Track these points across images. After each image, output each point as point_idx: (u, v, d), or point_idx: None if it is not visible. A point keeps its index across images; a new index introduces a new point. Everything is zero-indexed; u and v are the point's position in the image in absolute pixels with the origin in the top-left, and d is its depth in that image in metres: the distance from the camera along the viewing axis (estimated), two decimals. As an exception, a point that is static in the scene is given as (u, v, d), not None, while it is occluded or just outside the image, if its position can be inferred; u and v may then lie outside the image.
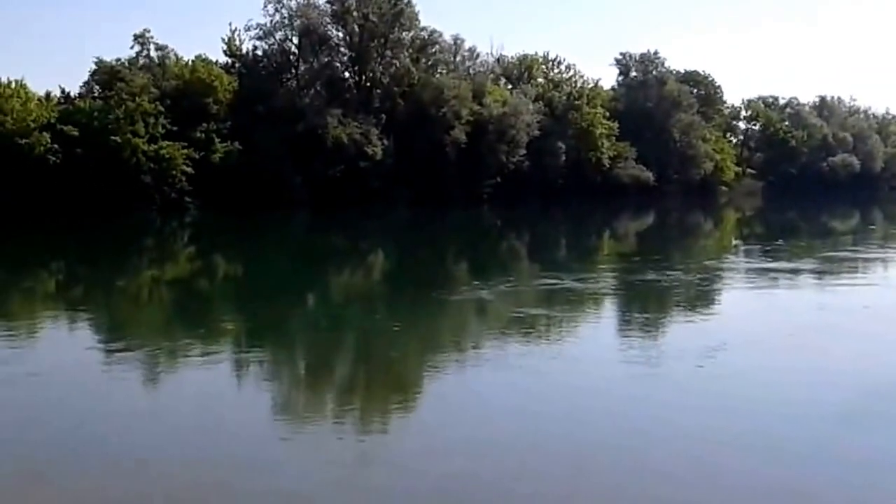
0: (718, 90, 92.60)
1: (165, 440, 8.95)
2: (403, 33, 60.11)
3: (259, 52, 58.38)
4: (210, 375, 11.85)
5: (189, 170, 47.95)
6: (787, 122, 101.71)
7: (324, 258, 30.38)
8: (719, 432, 8.96)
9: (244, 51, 58.46)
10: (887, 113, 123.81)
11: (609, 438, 8.97)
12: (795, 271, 24.18)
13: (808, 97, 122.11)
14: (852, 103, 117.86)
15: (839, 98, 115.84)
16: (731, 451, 8.43)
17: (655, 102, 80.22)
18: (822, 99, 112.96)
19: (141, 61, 54.00)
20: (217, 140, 50.31)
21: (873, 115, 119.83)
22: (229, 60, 58.15)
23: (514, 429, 9.30)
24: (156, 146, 47.05)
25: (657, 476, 7.82)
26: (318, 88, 57.29)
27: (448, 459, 8.32)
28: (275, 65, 58.13)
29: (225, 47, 58.12)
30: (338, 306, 19.59)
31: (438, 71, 63.05)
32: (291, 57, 58.71)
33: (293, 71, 58.66)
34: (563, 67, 75.21)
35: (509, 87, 70.12)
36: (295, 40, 58.28)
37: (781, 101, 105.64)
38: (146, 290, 22.17)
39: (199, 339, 14.34)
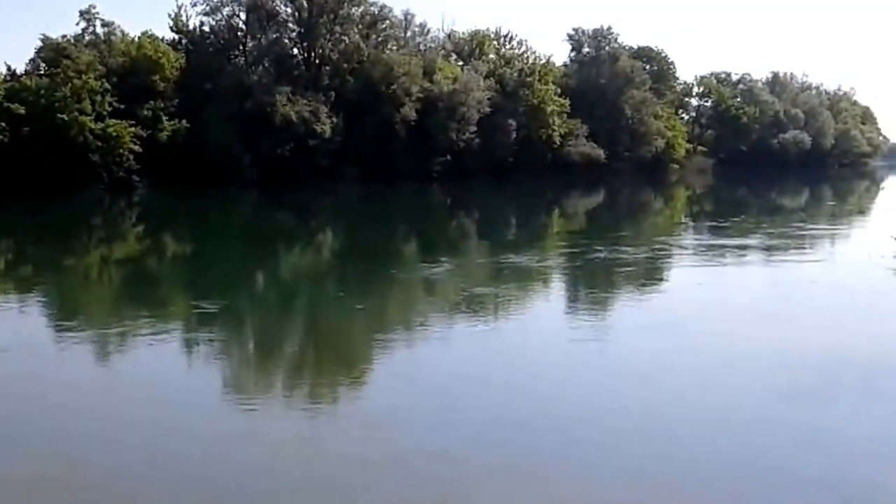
0: (671, 66, 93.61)
1: (117, 419, 8.95)
2: (353, 9, 59.73)
3: (206, 29, 57.98)
4: (160, 354, 11.81)
5: (137, 148, 47.49)
6: (739, 99, 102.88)
7: (273, 236, 30.25)
8: (664, 402, 9.24)
9: (191, 27, 57.90)
10: (839, 89, 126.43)
11: (559, 408, 9.13)
12: (744, 247, 24.20)
13: (761, 73, 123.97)
14: (804, 79, 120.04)
15: (792, 74, 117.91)
16: (674, 421, 8.71)
17: (608, 79, 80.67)
18: (775, 75, 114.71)
19: (87, 38, 53.31)
20: (164, 118, 49.94)
21: (825, 91, 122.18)
22: (176, 37, 57.46)
23: (465, 400, 9.47)
24: (103, 124, 46.56)
25: (605, 445, 8.10)
26: (267, 65, 57.01)
27: (399, 430, 8.46)
28: (222, 41, 57.70)
29: (171, 23, 57.44)
30: (287, 284, 19.63)
31: (388, 47, 62.77)
32: (239, 33, 58.24)
33: (241, 47, 58.23)
34: (514, 43, 75.53)
35: (460, 63, 70.18)
36: (242, 16, 57.89)
37: (734, 78, 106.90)
38: (95, 270, 22.00)
39: (149, 319, 14.21)
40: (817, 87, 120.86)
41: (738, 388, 9.75)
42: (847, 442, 8.19)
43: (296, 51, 59.78)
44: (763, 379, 10.10)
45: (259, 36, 57.84)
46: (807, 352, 11.38)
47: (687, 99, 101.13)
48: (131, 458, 7.86)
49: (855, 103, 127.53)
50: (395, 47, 63.49)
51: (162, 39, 55.70)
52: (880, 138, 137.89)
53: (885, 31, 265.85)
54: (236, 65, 57.08)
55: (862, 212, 44.32)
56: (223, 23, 57.67)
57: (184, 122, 50.09)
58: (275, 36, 58.20)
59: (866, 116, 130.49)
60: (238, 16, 57.90)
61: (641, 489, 7.10)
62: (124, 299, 17.66)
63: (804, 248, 24.86)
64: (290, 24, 59.18)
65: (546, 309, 15.44)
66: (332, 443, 8.32)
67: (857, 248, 22.68)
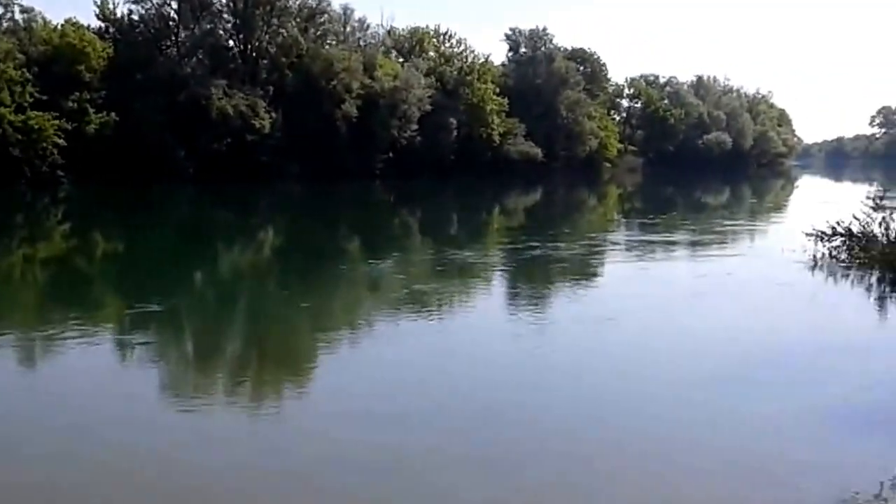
0: (604, 68, 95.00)
1: (42, 424, 8.43)
2: (290, 1, 58.31)
3: (135, 17, 55.39)
4: (91, 358, 11.15)
5: (61, 142, 45.05)
6: (666, 101, 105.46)
7: (210, 234, 29.32)
8: (605, 392, 9.66)
9: (119, 15, 55.38)
10: (757, 93, 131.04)
11: (506, 395, 9.39)
12: (672, 243, 25.23)
13: (686, 76, 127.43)
14: (726, 83, 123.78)
15: (714, 77, 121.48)
16: (615, 409, 9.04)
17: (544, 79, 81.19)
18: (699, 78, 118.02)
19: (4, 25, 50.21)
20: (91, 110, 47.63)
21: (745, 94, 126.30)
22: (102, 25, 54.85)
23: (412, 395, 9.39)
24: (23, 116, 44.13)
25: (535, 430, 8.28)
26: (201, 57, 54.84)
27: (345, 428, 8.28)
28: (152, 30, 55.21)
29: (97, 11, 54.87)
30: (228, 283, 18.97)
31: (328, 42, 61.54)
32: (171, 23, 55.91)
33: (173, 38, 55.87)
34: (454, 42, 75.19)
35: (400, 60, 69.31)
36: (174, 5, 55.58)
37: (662, 80, 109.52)
38: (18, 271, 20.53)
39: (78, 322, 13.44)
40: (738, 91, 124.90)
41: (656, 374, 10.28)
42: (750, 419, 8.62)
43: (231, 43, 57.80)
44: (679, 365, 10.72)
45: (192, 26, 55.56)
46: (721, 340, 12.08)
47: (618, 100, 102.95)
48: (60, 465, 7.41)
49: (772, 106, 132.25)
50: (334, 42, 62.22)
51: (87, 28, 52.87)
52: (795, 139, 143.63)
53: (800, 39, 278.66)
54: (168, 55, 54.66)
55: (778, 209, 46.40)
56: (153, 11, 55.17)
57: (112, 114, 47.76)
58: (209, 27, 56.02)
59: (782, 119, 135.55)
60: (169, 4, 55.55)
61: (570, 471, 7.40)
62: (50, 301, 16.49)
63: (726, 243, 26.07)
64: (225, 15, 57.22)
65: (487, 304, 15.72)
66: (274, 442, 8.02)
67: (772, 244, 23.65)
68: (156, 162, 47.69)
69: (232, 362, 11.49)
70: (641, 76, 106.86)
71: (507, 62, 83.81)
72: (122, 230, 29.81)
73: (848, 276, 17.68)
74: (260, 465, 7.39)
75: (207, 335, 13.21)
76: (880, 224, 18.84)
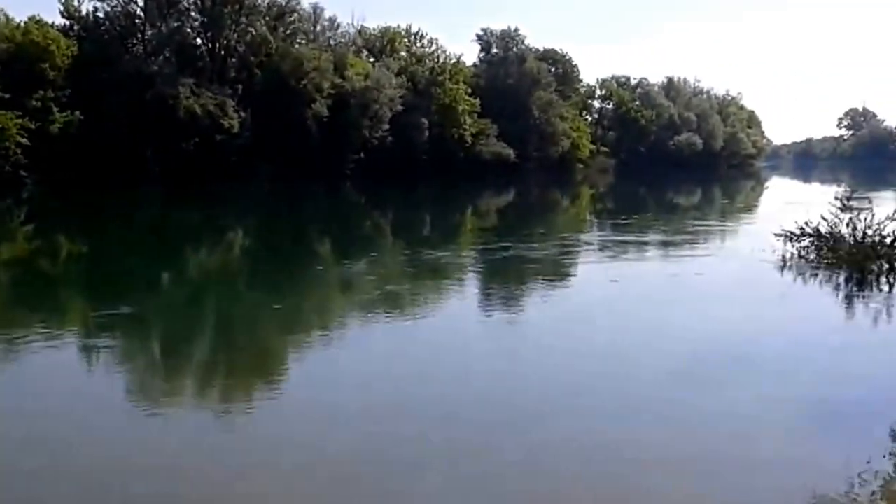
0: (575, 69, 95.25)
1: (5, 430, 8.19)
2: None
3: (100, 15, 54.70)
4: (56, 362, 10.86)
5: (24, 141, 44.10)
6: (637, 102, 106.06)
7: (178, 236, 28.87)
8: (574, 390, 9.61)
9: (84, 12, 54.69)
10: (727, 94, 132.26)
11: (475, 394, 9.42)
12: (645, 243, 25.36)
13: (657, 78, 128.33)
14: (697, 84, 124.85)
15: (685, 79, 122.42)
16: (583, 408, 8.96)
17: (516, 80, 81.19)
18: (670, 80, 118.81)
19: (-35, 22, 49.02)
20: (55, 109, 46.83)
21: (715, 96, 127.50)
22: (67, 23, 53.99)
23: (384, 396, 9.29)
24: (-16, 115, 43.04)
25: (523, 431, 8.23)
26: (168, 55, 54.04)
27: (319, 430, 8.17)
28: (118, 28, 54.37)
29: (62, 8, 54.14)
30: (198, 285, 18.66)
31: (297, 41, 61.05)
32: (137, 20, 55.15)
33: (139, 36, 55.11)
34: (425, 42, 74.92)
35: (371, 59, 68.93)
36: (140, 2, 54.91)
37: (633, 81, 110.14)
38: None
39: (42, 325, 13.09)
40: (708, 92, 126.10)
41: (625, 373, 10.29)
42: (719, 416, 8.64)
43: (199, 41, 57.09)
44: (649, 363, 10.68)
45: (159, 24, 54.79)
46: (691, 338, 12.07)
47: (590, 101, 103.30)
48: (21, 471, 7.20)
49: (741, 108, 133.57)
50: (304, 41, 61.68)
51: (52, 25, 51.91)
52: (764, 141, 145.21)
53: (769, 41, 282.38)
54: (134, 54, 53.85)
55: (749, 209, 46.78)
56: (119, 9, 54.38)
57: (77, 113, 46.95)
58: (176, 24, 55.26)
59: (752, 120, 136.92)
60: (135, 2, 54.80)
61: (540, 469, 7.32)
62: (13, 304, 16.02)
63: (698, 243, 26.12)
64: (193, 13, 56.47)
65: (460, 304, 15.66)
66: (243, 444, 7.88)
67: (742, 244, 23.82)
68: (122, 162, 47.02)
69: (201, 365, 11.25)
70: (613, 77, 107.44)
71: (478, 63, 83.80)
72: (87, 231, 29.25)
73: (816, 275, 17.76)
74: (229, 467, 7.30)
75: (175, 338, 12.93)
76: (847, 225, 18.94)
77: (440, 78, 70.06)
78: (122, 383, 10.19)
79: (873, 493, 6.64)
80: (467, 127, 71.09)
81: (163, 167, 48.90)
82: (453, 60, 74.65)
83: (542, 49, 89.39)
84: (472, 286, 18.30)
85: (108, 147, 46.56)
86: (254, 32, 56.71)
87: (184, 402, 9.41)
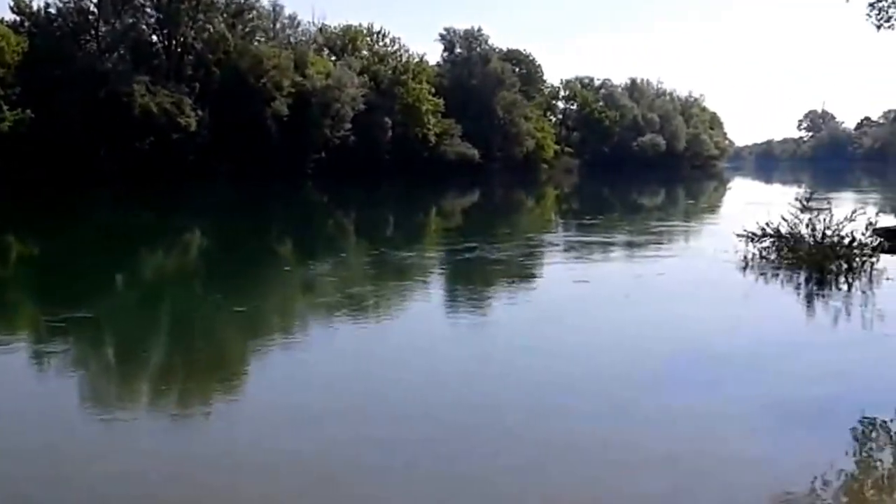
0: (539, 69, 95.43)
1: None
2: (217, -4, 56.74)
3: (52, 10, 53.45)
4: (7, 366, 10.32)
5: (-29, 140, 42.73)
6: (601, 103, 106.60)
7: (134, 237, 27.91)
8: (539, 390, 9.43)
9: (35, 8, 53.37)
10: (689, 96, 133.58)
11: (438, 398, 9.25)
12: (609, 244, 25.32)
13: (620, 79, 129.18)
14: (660, 86, 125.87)
15: (648, 81, 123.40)
16: (549, 408, 8.81)
17: (480, 80, 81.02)
18: (633, 81, 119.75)
19: None
20: (5, 107, 45.60)
21: (678, 97, 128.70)
22: (17, 18, 52.75)
23: (349, 398, 9.03)
24: (-71, 113, 41.71)
25: (489, 431, 8.06)
26: (122, 52, 52.86)
27: (284, 432, 7.96)
28: (71, 24, 53.10)
29: (12, 3, 52.78)
30: (151, 288, 17.97)
31: (256, 38, 60.25)
32: (90, 17, 53.89)
33: (93, 32, 53.81)
34: (388, 41, 74.40)
35: (333, 58, 68.17)
36: (94, -2, 53.42)
37: (597, 82, 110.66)
38: None
39: None
40: (671, 94, 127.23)
41: (590, 373, 10.22)
42: (683, 416, 8.51)
43: (155, 38, 56.00)
44: (613, 363, 10.60)
45: (113, 20, 53.58)
46: (654, 338, 11.92)
47: (554, 102, 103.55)
48: None
49: (704, 109, 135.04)
50: (263, 39, 60.84)
51: (1, 21, 50.59)
52: (726, 142, 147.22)
53: (730, 44, 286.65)
54: (88, 50, 52.53)
55: (712, 210, 47.03)
56: (71, 5, 53.13)
57: (28, 111, 45.73)
58: (131, 21, 54.18)
59: (714, 121, 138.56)
60: (88, -3, 53.27)
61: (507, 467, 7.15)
62: None
63: (661, 244, 26.12)
64: (148, 10, 55.36)
65: (425, 305, 15.31)
66: (201, 450, 7.61)
67: (705, 244, 23.81)
68: (75, 161, 45.97)
69: (159, 369, 10.72)
70: (577, 78, 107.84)
71: (442, 62, 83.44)
72: (39, 233, 28.14)
73: (777, 275, 17.71)
74: (189, 472, 7.05)
75: (132, 342, 12.31)
76: (807, 225, 18.90)
77: (403, 77, 69.58)
78: (75, 389, 9.65)
79: (836, 492, 6.61)
80: (431, 127, 70.71)
81: (119, 167, 47.82)
82: (416, 60, 74.24)
83: (505, 49, 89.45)
84: (438, 287, 18.03)
85: (60, 146, 45.46)
86: (211, 29, 55.75)
87: (142, 407, 8.98)
